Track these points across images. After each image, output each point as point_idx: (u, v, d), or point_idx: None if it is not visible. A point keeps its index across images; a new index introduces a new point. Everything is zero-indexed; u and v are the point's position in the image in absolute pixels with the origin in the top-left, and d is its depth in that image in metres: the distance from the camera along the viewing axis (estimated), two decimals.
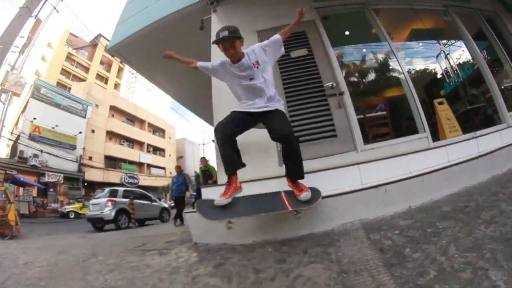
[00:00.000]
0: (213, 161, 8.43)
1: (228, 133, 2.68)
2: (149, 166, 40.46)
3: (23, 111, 26.85)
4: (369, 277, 1.59)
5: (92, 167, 30.68)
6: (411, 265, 1.65)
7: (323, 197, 2.76)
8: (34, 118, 25.32)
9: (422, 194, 2.98)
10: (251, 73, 2.74)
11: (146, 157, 40.14)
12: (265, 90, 2.75)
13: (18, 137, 24.41)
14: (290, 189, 2.80)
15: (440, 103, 4.33)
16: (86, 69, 42.69)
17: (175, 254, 3.16)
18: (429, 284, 1.43)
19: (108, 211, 10.90)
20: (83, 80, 38.64)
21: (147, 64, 6.60)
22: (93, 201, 12.27)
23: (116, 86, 48.21)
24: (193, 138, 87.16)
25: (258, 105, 2.76)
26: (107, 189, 13.24)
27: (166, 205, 15.11)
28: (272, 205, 2.64)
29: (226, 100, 3.44)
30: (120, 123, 37.30)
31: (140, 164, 39.10)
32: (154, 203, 13.99)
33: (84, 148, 30.03)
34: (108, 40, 41.34)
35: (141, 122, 41.86)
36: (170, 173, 42.73)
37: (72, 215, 21.90)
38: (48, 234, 8.76)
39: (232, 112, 2.85)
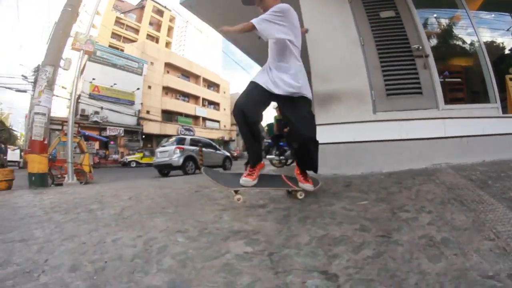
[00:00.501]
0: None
1: (253, 119, 2.42)
2: (204, 119, 42.67)
3: (81, 73, 28.95)
4: (469, 192, 2.23)
5: (150, 120, 32.93)
6: (495, 189, 2.28)
7: (417, 139, 3.58)
8: (93, 79, 27.33)
9: (494, 151, 3.53)
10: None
11: (202, 111, 42.21)
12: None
13: (79, 97, 26.48)
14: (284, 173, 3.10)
15: None
16: (136, 31, 44.69)
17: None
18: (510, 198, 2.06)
19: (177, 158, 11.27)
20: (134, 41, 40.35)
21: (219, 17, 6.61)
22: (160, 148, 12.66)
23: (167, 44, 49.74)
24: None
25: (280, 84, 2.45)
26: (174, 137, 13.82)
27: (228, 154, 15.43)
28: (277, 183, 2.79)
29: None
30: (175, 78, 38.98)
31: (195, 117, 41.33)
32: (218, 152, 14.32)
33: (142, 103, 32.16)
34: (154, 1, 42.34)
35: (196, 77, 43.30)
36: (224, 126, 44.84)
37: (133, 164, 23.99)
38: (118, 179, 9.08)
39: (253, 85, 2.53)
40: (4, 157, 18.26)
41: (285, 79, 2.42)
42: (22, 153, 21.66)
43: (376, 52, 4.12)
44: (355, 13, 4.29)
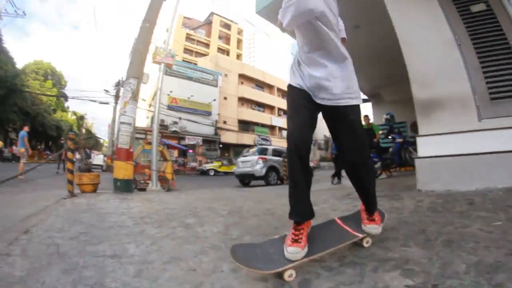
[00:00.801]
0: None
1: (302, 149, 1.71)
2: (280, 129, 41.69)
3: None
4: None
5: (227, 130, 33.04)
6: None
7: None
8: (171, 91, 28.20)
9: None
10: None
11: (277, 120, 41.37)
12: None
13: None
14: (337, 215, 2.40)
15: None
16: (206, 45, 46.69)
17: (410, 199, 3.33)
18: None
19: (259, 168, 11.15)
20: (206, 55, 41.61)
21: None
22: (242, 158, 12.57)
23: (238, 56, 50.78)
24: None
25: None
26: (256, 148, 13.64)
27: (312, 164, 14.93)
28: (336, 237, 1.86)
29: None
30: (249, 89, 39.09)
31: (271, 127, 40.80)
32: None
33: (218, 114, 32.52)
34: (220, 16, 44.25)
35: (270, 87, 42.99)
36: None
37: (211, 173, 24.11)
38: (200, 187, 9.22)
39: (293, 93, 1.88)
40: (90, 161, 19.33)
41: (319, 78, 1.75)
42: (105, 158, 23.40)
43: (474, 52, 3.84)
44: (445, 9, 4.06)
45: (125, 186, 6.52)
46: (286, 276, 1.53)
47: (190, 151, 29.15)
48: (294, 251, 1.59)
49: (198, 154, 30.61)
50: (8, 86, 23.07)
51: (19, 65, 29.64)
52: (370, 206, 1.92)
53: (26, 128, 11.43)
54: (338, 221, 2.04)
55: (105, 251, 2.01)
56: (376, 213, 1.94)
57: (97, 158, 23.16)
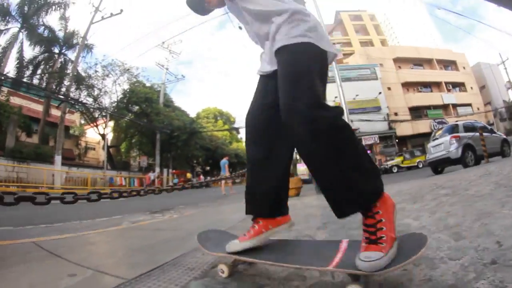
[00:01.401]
0: None
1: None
2: (454, 106, 36.25)
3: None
4: None
5: (401, 121, 30.70)
6: None
7: None
8: (335, 97, 27.72)
9: None
10: None
11: (448, 97, 36.09)
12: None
13: None
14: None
15: None
16: (348, 44, 44.96)
17: None
18: None
19: (454, 149, 9.50)
20: (351, 54, 40.09)
21: None
22: (432, 142, 11.00)
23: (383, 42, 47.65)
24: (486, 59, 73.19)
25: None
26: (444, 126, 11.89)
27: (505, 136, 12.22)
28: (312, 257, 1.21)
29: None
30: (409, 71, 35.83)
31: (444, 107, 35.83)
32: (493, 135, 11.43)
33: (387, 106, 30.64)
34: (346, 11, 42.21)
35: (428, 62, 38.26)
36: (478, 108, 36.49)
37: (395, 169, 23.02)
38: (392, 182, 8.72)
39: None
40: None
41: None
42: None
43: None
44: None
45: None
46: (218, 270, 1.37)
47: (369, 151, 28.13)
48: (232, 242, 1.37)
49: (377, 153, 29.51)
50: (188, 131, 28.25)
51: (191, 115, 36.34)
52: (336, 207, 1.16)
53: (226, 158, 14.17)
54: (343, 244, 1.24)
55: None
56: (385, 231, 1.05)
57: None
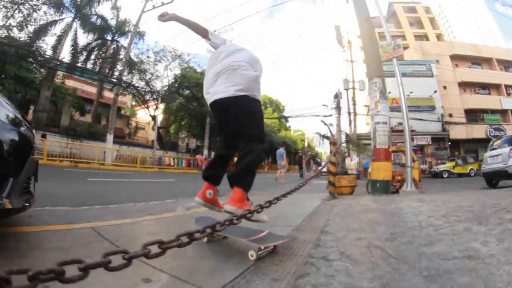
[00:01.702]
0: None
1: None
2: None
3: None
4: None
5: (455, 123, 28.51)
6: None
7: None
8: (389, 92, 26.30)
9: None
10: None
11: (508, 102, 32.30)
12: None
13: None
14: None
15: None
16: (402, 37, 42.19)
17: None
18: None
19: None
20: (406, 48, 37.79)
21: None
22: (489, 152, 10.14)
23: (439, 37, 44.80)
24: None
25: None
26: (505, 136, 10.83)
27: None
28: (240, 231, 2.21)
29: None
30: (466, 70, 32.81)
31: (502, 112, 32.07)
32: None
33: (442, 107, 28.63)
34: (399, 3, 39.50)
35: (488, 61, 34.62)
36: None
37: (445, 175, 21.61)
38: (443, 190, 8.52)
39: None
40: (313, 168, 20.01)
41: None
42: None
43: None
44: None
45: (384, 188, 6.47)
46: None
47: (419, 152, 26.57)
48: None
49: (427, 155, 27.75)
50: None
51: None
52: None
53: (282, 148, 15.29)
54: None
55: (450, 252, 1.77)
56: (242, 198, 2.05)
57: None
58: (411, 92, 27.40)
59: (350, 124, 22.83)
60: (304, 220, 3.24)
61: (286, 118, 48.26)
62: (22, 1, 17.71)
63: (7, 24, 17.86)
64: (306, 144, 61.90)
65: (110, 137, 19.29)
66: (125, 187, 7.70)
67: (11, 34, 18.37)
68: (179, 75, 28.49)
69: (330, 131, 25.53)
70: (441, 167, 22.71)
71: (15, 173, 1.71)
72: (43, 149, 14.86)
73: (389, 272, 1.49)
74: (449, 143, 28.80)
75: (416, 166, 8.77)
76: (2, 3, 17.03)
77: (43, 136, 16.57)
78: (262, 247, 1.79)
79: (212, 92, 2.11)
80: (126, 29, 24.99)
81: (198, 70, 29.74)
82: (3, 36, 17.82)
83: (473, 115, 30.93)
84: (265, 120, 37.84)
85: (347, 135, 23.99)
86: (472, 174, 20.93)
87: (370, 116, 7.51)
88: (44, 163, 13.84)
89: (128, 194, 5.76)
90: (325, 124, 26.52)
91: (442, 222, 2.72)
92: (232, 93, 2.02)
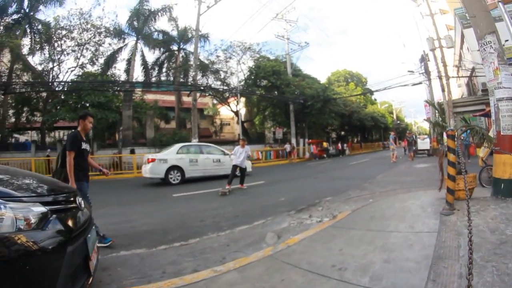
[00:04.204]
0: None
1: None
2: None
3: None
4: None
5: None
6: None
7: None
8: (506, 40, 22.80)
9: None
10: None
11: None
12: None
13: None
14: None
15: None
16: None
17: None
18: None
19: None
20: None
21: None
22: None
23: None
24: None
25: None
26: None
27: None
28: None
29: None
30: None
31: None
32: None
33: None
34: None
35: None
36: None
37: None
38: None
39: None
40: (414, 148, 18.04)
41: None
42: (431, 141, 21.91)
43: None
44: None
45: (510, 189, 4.66)
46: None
47: None
48: None
49: None
50: (322, 99, 26.87)
51: (322, 80, 35.33)
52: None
53: (393, 133, 15.77)
54: None
55: None
56: None
57: (423, 143, 21.56)
58: None
59: (443, 91, 20.12)
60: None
61: (371, 92, 45.07)
62: (87, 41, 19.89)
63: (80, 63, 20.36)
64: (394, 117, 58.14)
65: (195, 142, 20.09)
66: (209, 202, 7.26)
67: (86, 70, 20.84)
68: (254, 67, 28.44)
69: (441, 116, 22.95)
70: None
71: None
72: (133, 163, 16.50)
73: None
74: None
75: None
76: (70, 48, 19.44)
77: (132, 151, 18.41)
78: None
79: None
80: (190, 35, 26.04)
81: (271, 57, 29.68)
82: (80, 74, 20.53)
83: None
84: (349, 97, 37.54)
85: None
86: None
87: (488, 90, 5.37)
88: (134, 176, 15.00)
89: (212, 217, 5.41)
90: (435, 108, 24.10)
91: None
92: None
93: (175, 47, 27.51)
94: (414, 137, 21.46)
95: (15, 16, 19.84)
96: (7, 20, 19.52)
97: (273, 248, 3.34)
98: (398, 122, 58.93)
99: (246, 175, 9.52)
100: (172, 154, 11.36)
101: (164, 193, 9.16)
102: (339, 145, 32.33)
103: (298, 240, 3.55)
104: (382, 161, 18.01)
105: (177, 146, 12.16)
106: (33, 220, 1.59)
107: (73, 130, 4.22)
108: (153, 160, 10.96)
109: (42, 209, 1.68)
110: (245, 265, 2.88)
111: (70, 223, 1.86)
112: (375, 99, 54.61)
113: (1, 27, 18.96)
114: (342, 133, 42.82)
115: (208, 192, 8.74)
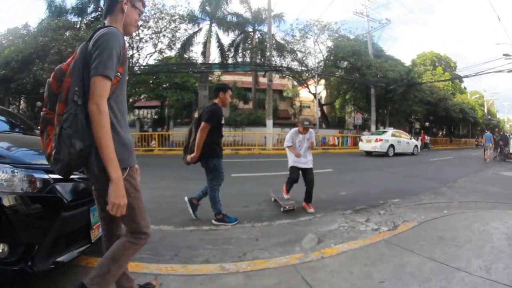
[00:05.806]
0: None
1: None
2: None
3: None
4: None
5: None
6: None
7: None
8: None
9: None
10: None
11: None
12: None
13: None
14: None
15: None
16: None
17: None
18: None
19: None
20: None
21: None
22: None
23: None
24: None
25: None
26: None
27: None
28: None
29: None
30: None
31: None
32: None
33: None
34: None
35: None
36: None
37: None
38: None
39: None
40: (505, 150, 15.00)
41: None
42: None
43: None
44: None
45: None
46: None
47: None
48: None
49: None
50: (406, 83, 24.24)
51: (406, 63, 30.95)
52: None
53: (489, 131, 15.53)
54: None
55: None
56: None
57: None
58: None
59: None
60: None
61: (459, 79, 38.60)
62: (163, 29, 21.09)
63: (158, 49, 21.80)
64: (485, 110, 49.74)
65: (269, 122, 20.32)
66: (265, 186, 6.40)
67: (165, 55, 22.49)
68: (332, 47, 27.11)
69: None
70: None
71: (37, 239, 1.82)
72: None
73: None
74: None
75: None
76: (148, 36, 20.90)
77: None
78: None
79: None
80: (263, 16, 25.90)
81: (351, 37, 27.92)
82: (160, 59, 22.22)
83: None
84: (436, 83, 33.51)
85: None
86: None
87: None
88: None
89: (258, 204, 5.09)
90: None
91: None
92: None
93: (250, 29, 27.76)
94: (508, 136, 18.01)
95: (94, 14, 22.41)
96: (87, 18, 22.36)
97: (303, 256, 2.83)
98: (489, 117, 50.32)
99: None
100: (389, 137, 17.28)
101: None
102: (425, 136, 28.92)
103: (338, 252, 2.95)
104: (466, 162, 15.07)
105: (390, 132, 18.07)
106: (36, 185, 1.88)
107: (213, 103, 3.95)
108: (381, 139, 16.71)
109: (45, 176, 1.95)
110: (258, 270, 2.52)
111: (68, 192, 2.08)
112: (465, 88, 47.41)
113: (83, 25, 21.59)
114: (427, 124, 38.18)
115: (271, 175, 8.52)
